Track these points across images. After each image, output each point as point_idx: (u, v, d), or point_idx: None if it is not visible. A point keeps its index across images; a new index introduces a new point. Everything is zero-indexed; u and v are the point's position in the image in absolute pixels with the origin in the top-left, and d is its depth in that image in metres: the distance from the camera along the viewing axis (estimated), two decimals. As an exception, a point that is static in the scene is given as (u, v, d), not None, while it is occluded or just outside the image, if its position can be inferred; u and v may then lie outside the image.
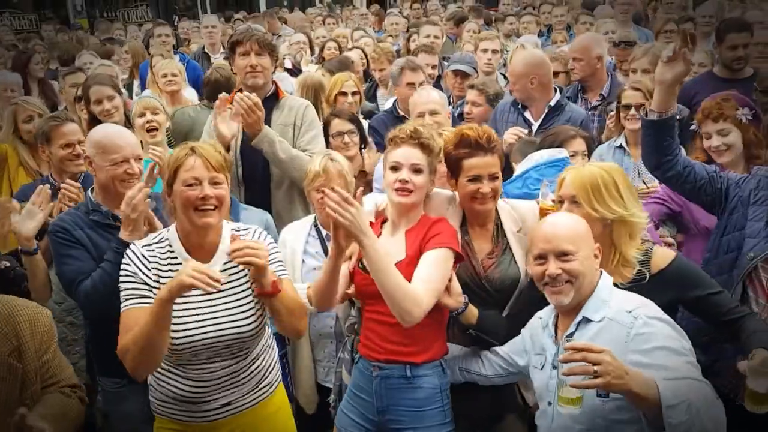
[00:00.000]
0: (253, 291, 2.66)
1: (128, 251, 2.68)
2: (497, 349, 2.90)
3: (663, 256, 2.79)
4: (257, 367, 2.79)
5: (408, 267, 2.76)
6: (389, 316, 2.73)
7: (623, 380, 2.01)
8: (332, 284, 2.78)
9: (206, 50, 8.13)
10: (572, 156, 3.71)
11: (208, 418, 2.72)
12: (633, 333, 2.27)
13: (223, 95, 3.94)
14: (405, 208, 2.87)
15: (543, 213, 2.99)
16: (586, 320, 2.43)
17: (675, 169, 3.05)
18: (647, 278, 2.70)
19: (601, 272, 2.53)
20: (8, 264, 3.38)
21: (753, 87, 4.51)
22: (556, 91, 4.69)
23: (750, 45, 5.06)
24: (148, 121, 4.50)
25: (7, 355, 2.27)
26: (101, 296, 2.93)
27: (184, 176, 2.58)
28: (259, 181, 4.10)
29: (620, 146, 4.32)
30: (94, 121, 4.69)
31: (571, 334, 2.45)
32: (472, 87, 4.69)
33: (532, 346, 2.72)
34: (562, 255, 2.43)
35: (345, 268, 2.87)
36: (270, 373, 2.87)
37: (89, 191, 3.27)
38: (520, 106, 4.70)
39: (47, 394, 2.38)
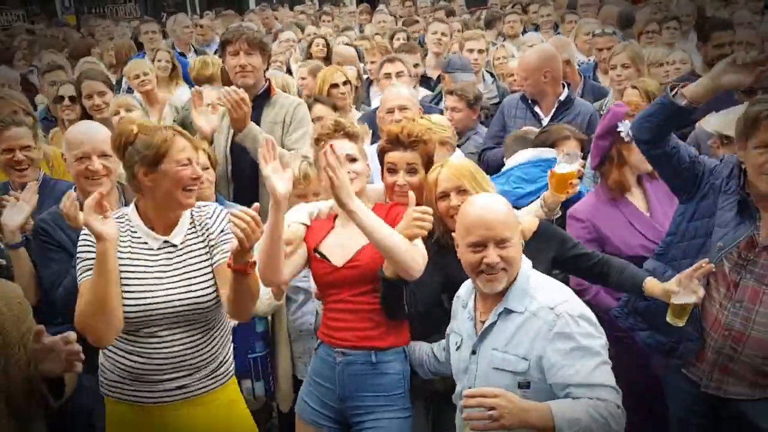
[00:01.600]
0: (210, 263, 2.70)
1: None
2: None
3: (530, 222, 3.06)
4: (214, 352, 2.79)
5: (373, 249, 2.78)
6: (352, 303, 2.84)
7: (521, 418, 2.10)
8: (275, 250, 2.73)
9: (177, 48, 8.00)
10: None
11: (160, 399, 2.70)
12: (554, 332, 2.30)
13: (195, 88, 3.93)
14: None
15: (563, 181, 3.12)
16: (508, 311, 2.43)
17: (663, 149, 3.01)
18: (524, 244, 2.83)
19: (522, 259, 2.50)
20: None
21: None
22: (563, 87, 4.72)
23: (734, 43, 5.09)
24: (122, 119, 4.46)
25: None
26: (75, 300, 2.89)
27: (177, 156, 2.59)
28: (248, 178, 4.09)
29: None
30: (86, 117, 4.70)
31: (492, 325, 2.46)
32: (451, 93, 4.68)
33: (450, 328, 2.76)
34: (501, 242, 2.39)
35: (300, 258, 2.94)
36: (225, 363, 2.85)
37: (73, 189, 3.21)
38: (530, 101, 4.72)
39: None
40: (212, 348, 2.79)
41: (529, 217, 3.14)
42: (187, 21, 8.54)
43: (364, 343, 2.88)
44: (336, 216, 3.02)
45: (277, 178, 2.60)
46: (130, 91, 6.01)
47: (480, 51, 6.06)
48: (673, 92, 2.88)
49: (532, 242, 2.95)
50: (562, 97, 4.67)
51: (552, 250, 3.05)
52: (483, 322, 2.50)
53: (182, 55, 7.75)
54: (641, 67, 5.11)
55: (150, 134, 2.60)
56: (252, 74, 4.06)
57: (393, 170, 3.08)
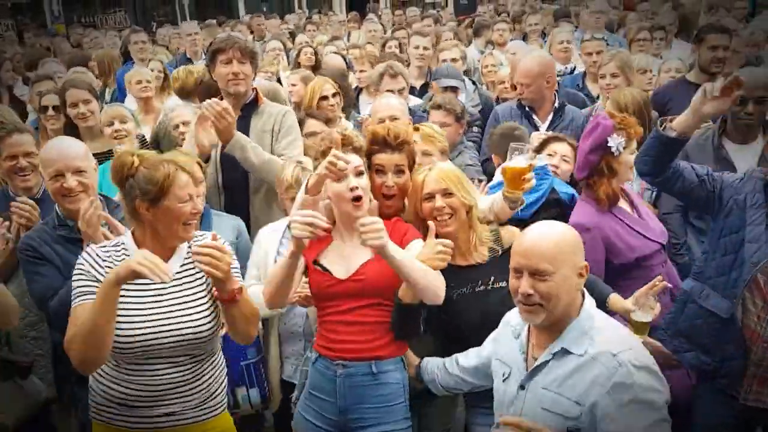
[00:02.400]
0: (210, 294, 2.68)
1: (84, 252, 2.67)
2: (466, 365, 2.89)
3: (510, 231, 3.08)
4: (205, 383, 2.75)
5: (377, 264, 2.80)
6: (353, 315, 2.84)
7: None
8: (289, 281, 2.83)
9: (188, 56, 8.07)
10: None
11: (149, 425, 2.67)
12: (614, 381, 2.13)
13: (204, 110, 3.92)
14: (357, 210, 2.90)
15: (516, 177, 3.07)
16: (565, 351, 2.26)
17: (663, 175, 3.06)
18: (501, 253, 3.00)
19: (584, 295, 2.34)
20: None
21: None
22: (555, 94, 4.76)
23: (729, 49, 5.15)
24: (116, 130, 4.45)
25: None
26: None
27: (179, 193, 2.55)
28: (238, 187, 4.10)
29: None
30: (71, 126, 4.68)
31: (545, 363, 2.30)
32: (438, 107, 4.54)
33: (493, 351, 2.63)
34: (536, 273, 2.22)
35: (299, 272, 2.92)
36: (218, 395, 2.82)
37: (56, 205, 3.18)
38: (526, 109, 4.73)
39: None
40: (205, 379, 2.75)
41: (513, 227, 3.14)
42: (194, 28, 8.51)
43: (364, 354, 2.86)
44: (332, 227, 3.01)
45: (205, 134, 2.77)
46: (118, 100, 6.02)
47: (454, 60, 6.08)
48: (663, 126, 2.95)
49: (508, 252, 2.86)
50: (557, 104, 4.70)
51: None
52: (535, 358, 2.34)
53: (190, 61, 7.78)
54: (630, 76, 5.13)
55: (152, 168, 2.55)
56: (244, 82, 4.06)
57: (381, 171, 3.10)
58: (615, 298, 3.00)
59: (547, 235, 2.29)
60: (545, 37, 8.54)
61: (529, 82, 4.66)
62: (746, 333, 2.94)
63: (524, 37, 8.79)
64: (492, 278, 3.01)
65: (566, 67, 6.64)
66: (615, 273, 3.34)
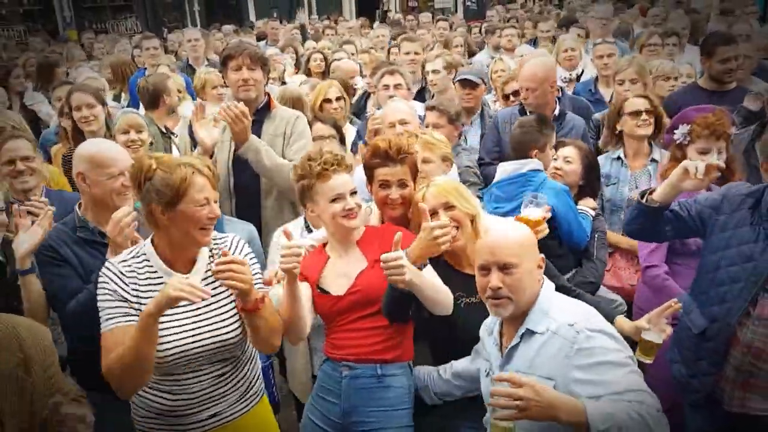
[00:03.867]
0: (234, 301, 2.67)
1: (104, 269, 2.63)
2: (458, 368, 2.94)
3: None
4: (242, 377, 2.78)
5: (374, 271, 2.83)
6: (355, 323, 2.89)
7: (549, 413, 2.09)
8: (297, 307, 2.77)
9: (190, 63, 8.08)
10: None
11: (195, 429, 2.69)
12: (575, 348, 2.28)
13: (198, 101, 3.96)
14: (352, 229, 2.98)
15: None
16: (530, 332, 2.42)
17: (658, 237, 3.29)
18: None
19: (543, 280, 2.51)
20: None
21: (741, 103, 4.58)
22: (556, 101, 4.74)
23: (739, 57, 5.12)
24: (131, 140, 4.47)
25: (15, 366, 2.21)
26: (89, 317, 2.83)
27: (196, 197, 2.53)
28: (250, 191, 4.12)
29: (618, 158, 4.36)
30: (77, 130, 4.74)
31: (515, 346, 2.45)
32: (432, 109, 4.54)
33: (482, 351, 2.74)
34: (504, 267, 2.39)
35: (309, 300, 2.94)
36: (255, 384, 2.86)
37: (76, 207, 3.20)
38: (528, 114, 4.70)
39: (63, 405, 2.30)
40: (243, 375, 2.79)
41: None
42: (195, 34, 8.51)
43: (370, 357, 2.88)
44: (326, 245, 3.06)
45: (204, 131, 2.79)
46: (132, 106, 6.04)
47: (435, 71, 6.02)
48: (644, 198, 3.06)
49: None
50: (556, 112, 4.67)
51: None
52: (507, 347, 2.49)
53: (192, 68, 7.77)
54: (648, 81, 5.13)
55: (169, 172, 2.53)
56: (254, 88, 4.10)
57: (386, 185, 3.18)
58: (621, 320, 2.95)
59: (510, 232, 2.50)
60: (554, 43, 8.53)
61: (535, 86, 4.62)
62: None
63: (534, 43, 8.79)
64: None
65: (571, 74, 6.62)
66: (673, 253, 3.60)
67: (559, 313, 2.40)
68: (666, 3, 10.78)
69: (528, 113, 4.68)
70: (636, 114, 4.21)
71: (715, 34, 5.43)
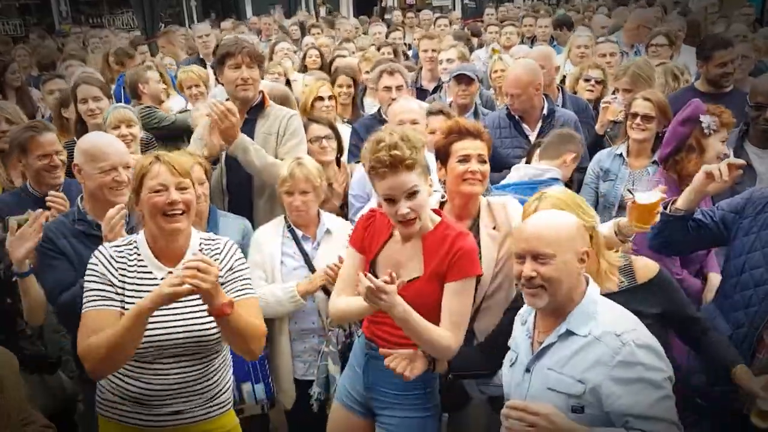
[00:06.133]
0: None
1: (97, 251, 2.68)
2: None
3: (647, 266, 2.84)
4: (212, 381, 2.77)
5: (426, 285, 2.74)
6: (384, 314, 2.75)
7: None
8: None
9: (202, 57, 7.99)
10: None
11: (157, 423, 2.69)
12: (617, 359, 2.21)
13: (213, 101, 3.94)
14: (413, 233, 2.79)
15: (648, 212, 3.06)
16: (570, 333, 2.34)
17: (685, 248, 3.26)
18: (632, 286, 2.75)
19: (588, 280, 2.43)
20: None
21: (740, 100, 4.54)
22: (544, 99, 4.73)
23: (736, 60, 5.12)
24: (122, 135, 4.43)
25: None
26: (77, 311, 2.89)
27: (150, 183, 2.59)
28: (242, 190, 4.10)
29: (620, 154, 4.33)
30: (81, 123, 4.77)
31: (551, 345, 2.38)
32: (439, 113, 4.44)
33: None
34: (538, 257, 2.31)
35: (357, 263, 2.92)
36: (224, 393, 2.84)
37: (78, 200, 3.23)
38: (516, 118, 4.71)
39: None
40: (212, 377, 2.77)
41: (650, 260, 2.91)
42: (205, 30, 8.45)
43: (390, 347, 2.79)
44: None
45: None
46: (125, 101, 6.00)
47: (450, 60, 6.09)
48: (668, 208, 3.02)
49: (641, 289, 2.79)
50: (545, 111, 4.66)
51: (660, 306, 2.79)
52: (540, 342, 2.43)
53: (203, 62, 7.69)
54: (651, 83, 4.98)
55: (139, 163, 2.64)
56: (253, 87, 4.06)
57: (466, 159, 3.09)
58: (743, 370, 2.78)
59: (548, 222, 2.39)
60: (552, 41, 8.51)
61: (519, 92, 4.62)
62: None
63: (532, 41, 8.77)
64: None
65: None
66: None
67: (604, 317, 2.32)
68: (666, 3, 10.73)
69: (516, 117, 4.71)
70: (633, 116, 4.18)
71: (712, 38, 5.40)
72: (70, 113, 5.05)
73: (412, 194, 2.65)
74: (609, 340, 2.24)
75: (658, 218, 3.06)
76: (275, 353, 3.59)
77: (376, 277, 2.62)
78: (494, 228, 3.13)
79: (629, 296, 2.67)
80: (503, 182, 3.92)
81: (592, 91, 5.52)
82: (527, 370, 2.45)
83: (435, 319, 2.71)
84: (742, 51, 5.46)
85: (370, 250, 2.90)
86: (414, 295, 2.71)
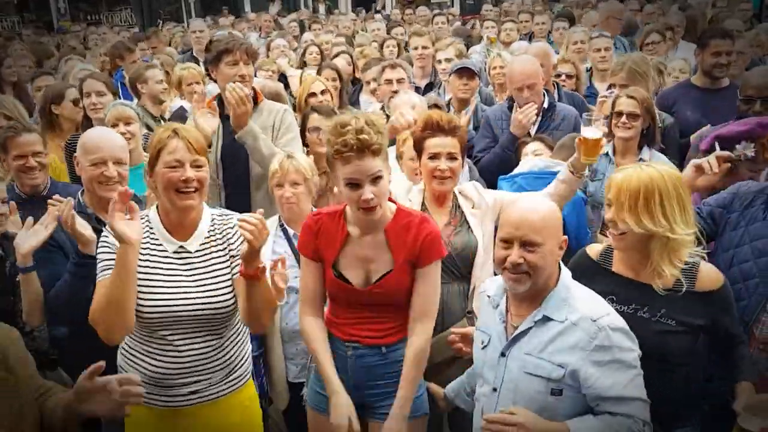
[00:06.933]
0: (231, 272, 2.71)
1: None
2: None
3: (710, 275, 2.61)
4: (229, 356, 2.80)
5: (399, 276, 2.71)
6: (367, 312, 2.79)
7: None
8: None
9: (195, 54, 8.02)
10: None
11: (175, 403, 2.72)
12: (595, 344, 2.30)
13: (201, 89, 3.96)
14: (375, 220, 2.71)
15: (595, 146, 3.26)
16: (546, 318, 2.39)
17: None
18: (687, 291, 2.55)
19: (561, 267, 2.47)
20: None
21: (736, 96, 4.54)
22: (544, 94, 4.71)
23: (733, 53, 5.11)
24: (120, 133, 4.44)
25: None
26: (63, 304, 2.93)
27: (166, 158, 2.61)
28: (239, 184, 4.12)
29: (606, 154, 4.23)
30: (88, 118, 4.81)
31: (527, 331, 2.41)
32: (434, 107, 4.31)
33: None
34: (527, 244, 2.35)
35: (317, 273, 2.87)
36: (241, 365, 2.87)
37: (78, 193, 3.26)
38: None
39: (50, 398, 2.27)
40: (227, 353, 2.80)
41: (716, 270, 2.65)
42: (200, 26, 8.48)
43: (375, 342, 2.81)
44: (344, 215, 2.81)
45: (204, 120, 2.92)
46: (125, 98, 6.01)
47: (448, 60, 6.08)
48: None
49: (701, 298, 2.57)
50: (545, 105, 4.65)
51: (708, 319, 2.58)
52: (515, 326, 2.47)
53: (196, 59, 7.72)
54: (647, 79, 4.92)
55: (154, 135, 2.65)
56: (249, 83, 4.08)
57: (436, 157, 3.20)
58: (744, 386, 2.65)
59: (537, 209, 2.42)
60: (550, 37, 8.49)
61: (534, 81, 4.56)
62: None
63: (530, 37, 8.76)
64: (664, 310, 2.57)
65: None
66: None
67: (578, 303, 2.39)
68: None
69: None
70: (618, 115, 4.10)
71: (712, 28, 5.43)
72: (61, 109, 5.04)
73: (376, 179, 2.58)
74: (586, 325, 2.33)
75: (601, 152, 3.32)
76: (268, 355, 3.59)
77: (344, 278, 2.74)
78: (473, 207, 3.32)
79: (684, 299, 2.54)
80: (520, 168, 3.94)
81: (564, 86, 5.46)
82: (502, 355, 2.48)
83: (409, 301, 2.76)
84: (739, 47, 5.44)
85: (329, 254, 2.78)
86: (389, 288, 2.72)
